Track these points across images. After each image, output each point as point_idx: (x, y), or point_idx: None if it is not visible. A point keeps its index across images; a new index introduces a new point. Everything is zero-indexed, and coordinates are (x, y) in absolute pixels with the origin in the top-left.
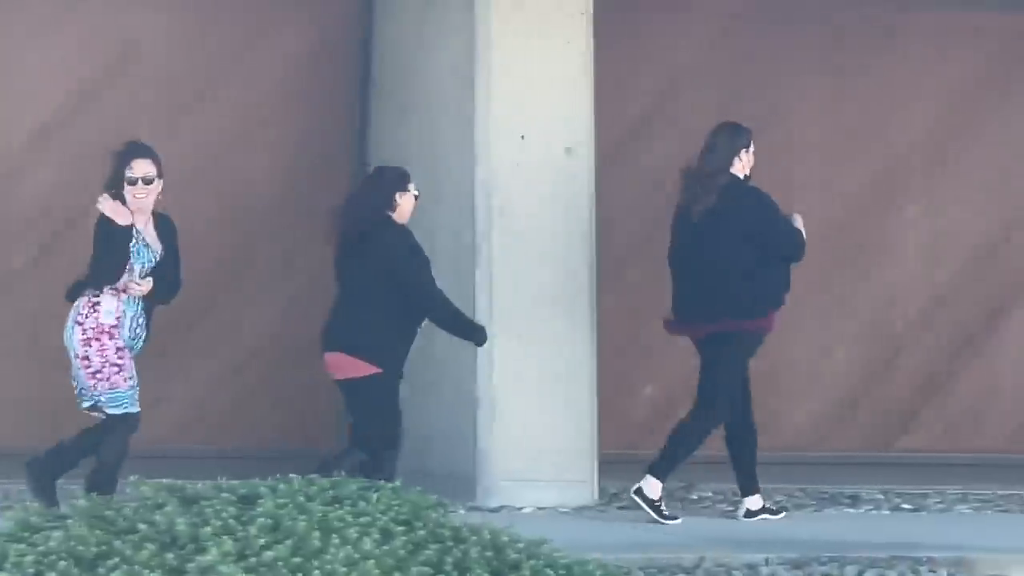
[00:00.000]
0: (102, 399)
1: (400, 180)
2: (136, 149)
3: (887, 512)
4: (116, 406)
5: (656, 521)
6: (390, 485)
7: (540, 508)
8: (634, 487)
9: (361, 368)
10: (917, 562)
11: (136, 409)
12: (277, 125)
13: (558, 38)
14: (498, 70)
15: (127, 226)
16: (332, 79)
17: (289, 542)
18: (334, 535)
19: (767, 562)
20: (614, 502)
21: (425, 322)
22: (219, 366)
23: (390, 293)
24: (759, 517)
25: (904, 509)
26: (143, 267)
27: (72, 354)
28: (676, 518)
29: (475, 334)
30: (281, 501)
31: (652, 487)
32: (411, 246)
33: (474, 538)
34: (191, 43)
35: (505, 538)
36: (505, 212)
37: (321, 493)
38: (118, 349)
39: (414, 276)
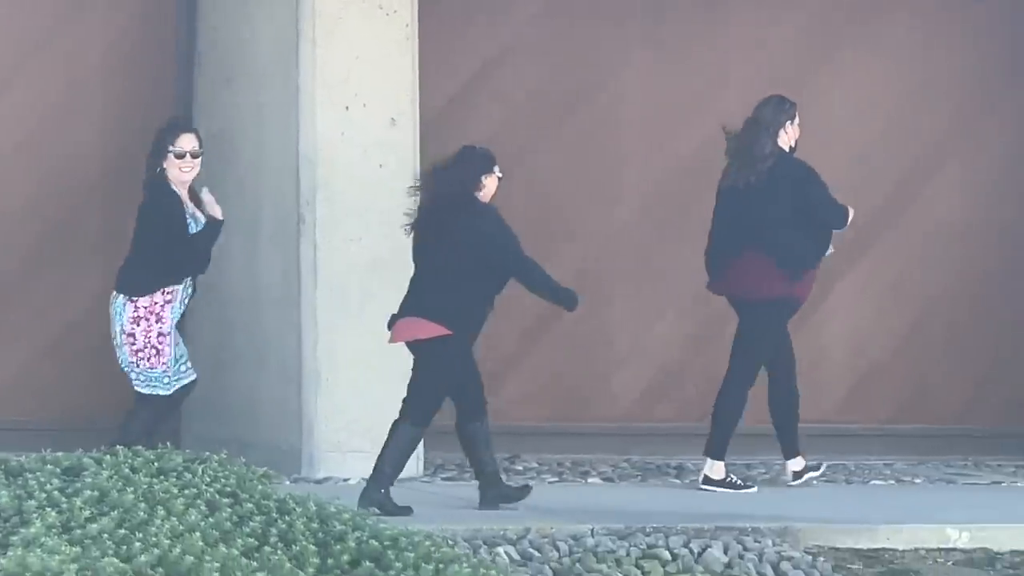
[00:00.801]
0: (136, 376)
1: (488, 162)
2: (181, 124)
3: None
4: (146, 385)
5: (738, 491)
6: (216, 457)
7: (366, 479)
8: (701, 478)
9: (434, 330)
10: (743, 532)
11: (166, 392)
12: (100, 98)
13: (382, 9)
14: (322, 41)
15: (184, 211)
16: (155, 51)
17: (114, 514)
18: (159, 507)
19: (592, 533)
20: (439, 473)
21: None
22: (44, 338)
23: (475, 265)
24: (804, 478)
25: None
26: None
27: (118, 328)
28: (752, 486)
29: (566, 299)
30: (106, 473)
31: (716, 470)
32: (502, 223)
33: (299, 510)
34: (9, 16)
35: (331, 509)
36: (330, 183)
37: (146, 465)
38: (160, 334)
39: (512, 250)
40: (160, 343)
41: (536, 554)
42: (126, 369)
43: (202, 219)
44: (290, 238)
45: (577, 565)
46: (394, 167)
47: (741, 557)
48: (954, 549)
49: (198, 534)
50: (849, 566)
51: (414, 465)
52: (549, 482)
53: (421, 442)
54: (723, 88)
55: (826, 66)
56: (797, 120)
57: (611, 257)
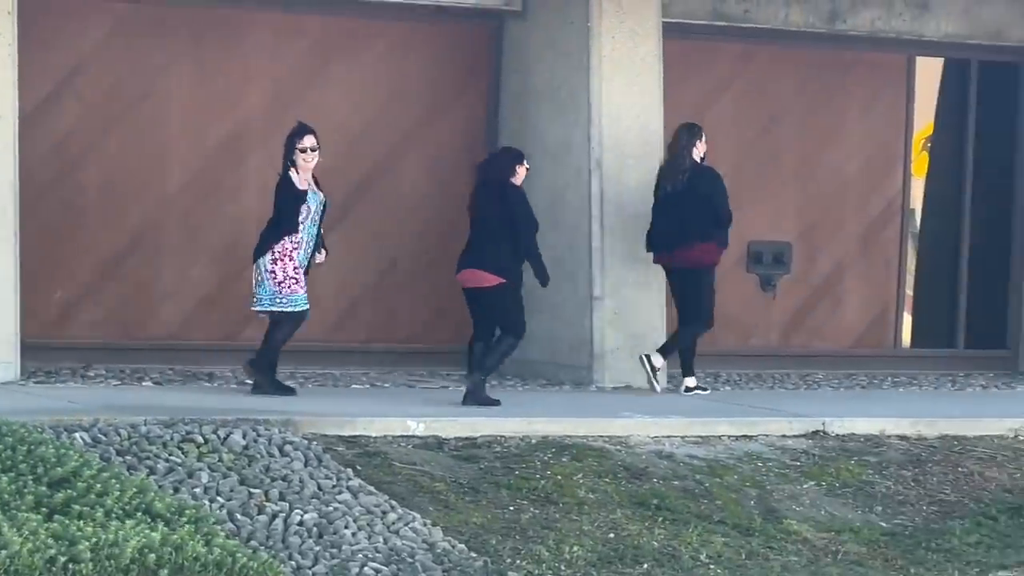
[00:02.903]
0: (283, 300)
1: (519, 156)
2: (304, 128)
3: (235, 386)
4: (294, 306)
5: (652, 383)
6: None
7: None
8: (645, 353)
9: (492, 280)
10: (256, 423)
11: (307, 307)
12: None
13: None
14: None
15: (303, 190)
16: None
17: None
18: None
19: (145, 423)
20: (32, 379)
21: None
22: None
23: (512, 229)
24: (694, 391)
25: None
26: (317, 206)
27: (263, 269)
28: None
29: (542, 274)
30: None
31: (657, 359)
32: (526, 201)
33: None
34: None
35: None
36: None
37: None
38: (295, 268)
39: (525, 221)
40: (296, 272)
41: (103, 438)
42: (267, 306)
43: (322, 196)
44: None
45: (134, 447)
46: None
47: (255, 441)
48: (413, 436)
49: None
50: (336, 448)
51: (13, 372)
52: (114, 385)
53: (18, 354)
54: (246, 93)
55: (323, 76)
56: (704, 138)
57: (162, 219)
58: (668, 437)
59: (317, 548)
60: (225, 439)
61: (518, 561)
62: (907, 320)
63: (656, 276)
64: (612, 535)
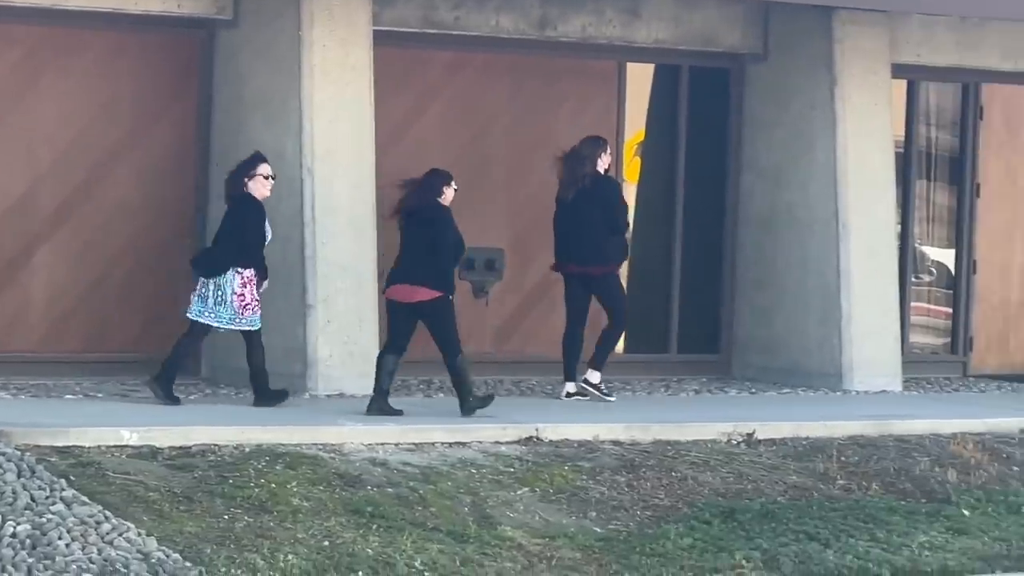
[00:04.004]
0: (246, 321)
1: (448, 178)
2: (260, 156)
3: None
4: (253, 325)
5: (604, 400)
6: None
7: None
8: (582, 379)
9: (428, 294)
10: None
11: (259, 327)
12: None
13: None
14: None
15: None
16: None
17: None
18: None
19: None
20: None
21: None
22: None
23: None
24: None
25: None
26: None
27: (229, 291)
28: (612, 395)
29: (451, 284)
30: None
31: (595, 376)
32: (451, 221)
33: None
34: None
35: None
36: None
37: None
38: (256, 294)
39: (448, 239)
40: (257, 298)
41: None
42: (225, 320)
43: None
44: None
45: None
46: None
47: None
48: (127, 446)
49: None
50: (49, 459)
51: None
52: None
53: None
54: None
55: (33, 86)
56: (609, 150)
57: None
58: (382, 444)
59: (31, 560)
60: None
61: (233, 570)
62: None
63: (368, 283)
64: (327, 543)
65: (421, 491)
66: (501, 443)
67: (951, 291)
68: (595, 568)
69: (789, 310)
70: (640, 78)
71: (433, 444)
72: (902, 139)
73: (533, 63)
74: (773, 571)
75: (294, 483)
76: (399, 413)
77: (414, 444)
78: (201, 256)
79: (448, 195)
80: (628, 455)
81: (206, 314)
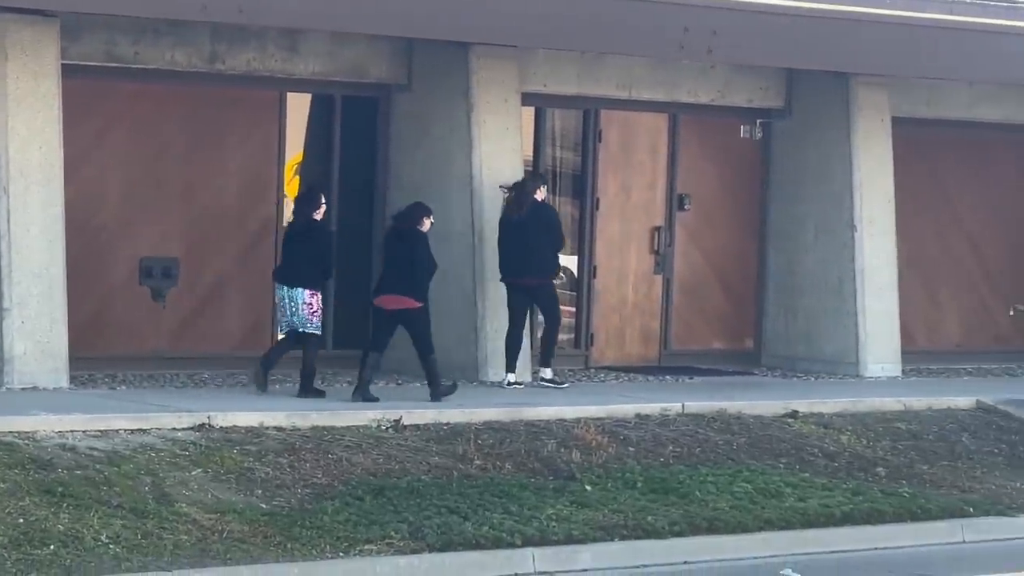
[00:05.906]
0: (310, 326)
1: (427, 211)
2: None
3: None
4: (316, 329)
5: (559, 388)
6: None
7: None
8: (539, 377)
9: (410, 303)
10: None
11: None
12: None
13: None
14: None
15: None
16: None
17: None
18: None
19: None
20: None
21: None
22: None
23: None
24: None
25: None
26: None
27: (301, 300)
28: (565, 383)
29: (427, 296)
30: None
31: (546, 372)
32: (427, 245)
33: None
34: None
35: None
36: None
37: None
38: (321, 301)
39: (425, 259)
40: (322, 304)
41: None
42: (294, 327)
43: None
44: None
45: None
46: None
47: None
48: None
49: None
50: None
51: None
52: None
53: None
54: None
55: None
56: (545, 185)
57: None
58: (72, 432)
59: None
60: None
61: None
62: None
63: (58, 289)
64: (21, 520)
65: (106, 473)
66: (177, 429)
67: (575, 293)
68: (261, 540)
69: (434, 315)
70: (299, 106)
71: (117, 431)
72: (531, 158)
73: (205, 93)
74: (419, 541)
75: None
76: (376, 400)
77: (100, 431)
78: None
79: (426, 224)
80: (290, 439)
81: (285, 325)
